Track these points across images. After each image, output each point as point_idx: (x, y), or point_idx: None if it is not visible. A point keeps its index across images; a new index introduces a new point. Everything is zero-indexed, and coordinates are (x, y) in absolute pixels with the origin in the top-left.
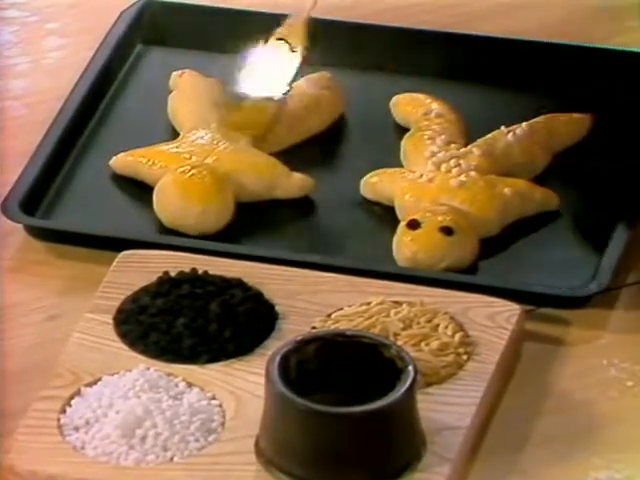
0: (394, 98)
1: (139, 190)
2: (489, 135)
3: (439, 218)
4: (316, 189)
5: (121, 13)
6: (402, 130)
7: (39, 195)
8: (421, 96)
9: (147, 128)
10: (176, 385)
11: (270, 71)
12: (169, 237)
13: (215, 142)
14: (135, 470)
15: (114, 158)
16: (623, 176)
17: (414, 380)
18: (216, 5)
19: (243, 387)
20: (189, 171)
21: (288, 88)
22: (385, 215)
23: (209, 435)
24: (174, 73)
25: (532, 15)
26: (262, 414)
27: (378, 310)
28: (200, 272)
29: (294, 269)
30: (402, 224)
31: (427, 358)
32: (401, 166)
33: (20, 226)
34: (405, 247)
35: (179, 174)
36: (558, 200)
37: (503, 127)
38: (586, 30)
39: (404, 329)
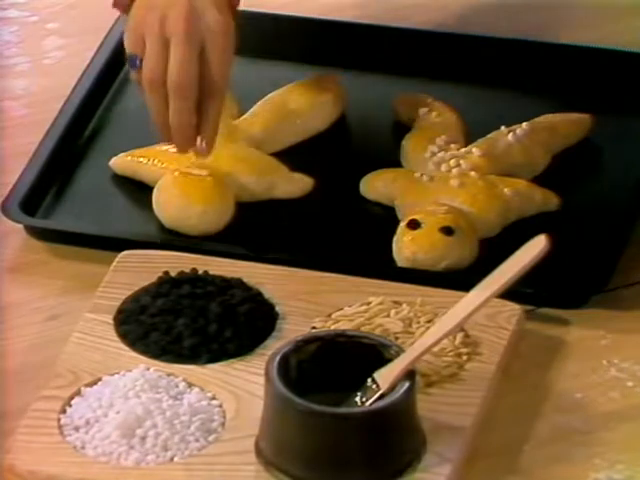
0: (394, 98)
1: (139, 190)
2: (489, 135)
3: (439, 218)
4: (316, 189)
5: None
6: (402, 130)
7: (39, 195)
8: (421, 96)
9: (147, 128)
10: (176, 385)
11: None
12: (169, 237)
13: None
14: (135, 470)
15: (114, 158)
16: (623, 176)
17: (414, 380)
18: None
19: (243, 387)
20: (189, 171)
21: None
22: (385, 215)
23: (209, 435)
24: None
25: (531, 15)
26: (262, 414)
27: (378, 310)
28: (200, 272)
29: (294, 269)
30: (402, 224)
31: (428, 358)
32: (401, 166)
33: (20, 226)
34: (405, 247)
35: (179, 174)
36: (558, 200)
37: (503, 127)
38: (585, 30)
39: (404, 329)
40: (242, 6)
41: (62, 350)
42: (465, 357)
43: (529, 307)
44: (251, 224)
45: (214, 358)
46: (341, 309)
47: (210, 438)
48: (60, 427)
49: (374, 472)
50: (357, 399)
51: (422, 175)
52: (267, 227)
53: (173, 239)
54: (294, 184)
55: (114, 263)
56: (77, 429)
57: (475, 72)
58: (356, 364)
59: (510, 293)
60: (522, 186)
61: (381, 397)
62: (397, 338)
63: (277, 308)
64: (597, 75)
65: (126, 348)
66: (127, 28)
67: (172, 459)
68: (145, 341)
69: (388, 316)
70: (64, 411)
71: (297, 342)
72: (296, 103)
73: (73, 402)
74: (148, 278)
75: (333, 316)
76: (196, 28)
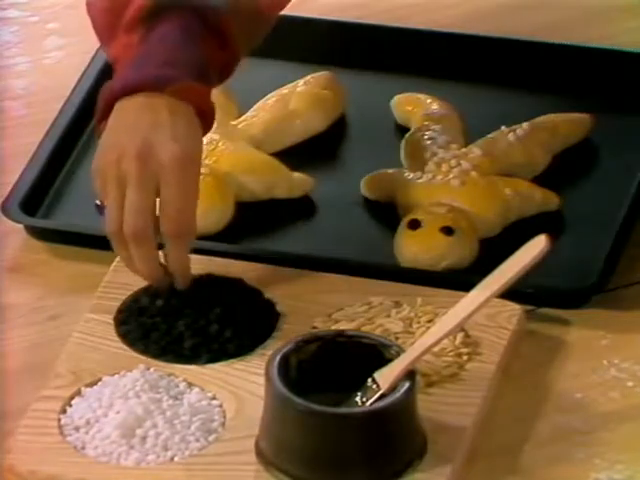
0: (394, 98)
1: None
2: (489, 135)
3: (439, 218)
4: (316, 189)
5: None
6: (402, 130)
7: (39, 195)
8: (421, 96)
9: None
10: (176, 385)
11: None
12: None
13: (215, 142)
14: (135, 470)
15: None
16: (623, 176)
17: (414, 380)
18: None
19: (243, 387)
20: None
21: None
22: (385, 215)
23: (209, 435)
24: None
25: (531, 15)
26: (262, 414)
27: (378, 310)
28: (200, 272)
29: (294, 269)
30: (402, 224)
31: (428, 358)
32: (401, 166)
33: (20, 226)
34: (405, 247)
35: None
36: (558, 200)
37: (503, 127)
38: (585, 30)
39: (404, 329)
40: None
41: (62, 350)
42: (465, 357)
43: (529, 307)
44: (251, 224)
45: (214, 358)
46: (341, 309)
47: (210, 438)
48: (60, 427)
49: (374, 472)
50: (357, 399)
51: (422, 175)
52: (267, 227)
53: None
54: (294, 184)
55: (114, 263)
56: (77, 429)
57: (475, 72)
58: (356, 364)
59: (510, 293)
60: (522, 186)
61: (381, 397)
62: (397, 338)
63: (277, 308)
64: (597, 75)
65: (126, 348)
66: (92, 168)
67: (172, 459)
68: (145, 341)
69: (389, 316)
70: (64, 411)
71: (297, 342)
72: (296, 103)
73: (73, 402)
74: None
75: (333, 316)
76: (149, 168)
